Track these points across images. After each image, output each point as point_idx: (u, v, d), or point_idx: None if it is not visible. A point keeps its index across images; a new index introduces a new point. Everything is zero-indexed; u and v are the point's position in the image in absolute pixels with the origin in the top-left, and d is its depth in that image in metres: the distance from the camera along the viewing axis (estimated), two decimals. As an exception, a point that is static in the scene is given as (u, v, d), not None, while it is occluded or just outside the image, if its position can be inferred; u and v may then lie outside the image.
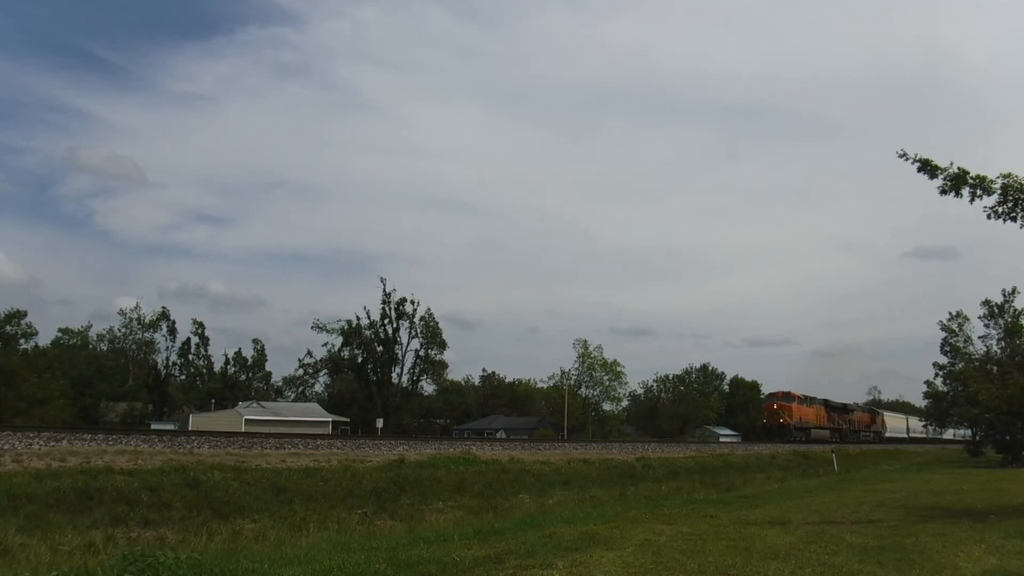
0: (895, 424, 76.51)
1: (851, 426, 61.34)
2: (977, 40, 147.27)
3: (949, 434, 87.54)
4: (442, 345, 74.13)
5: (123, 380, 68.82)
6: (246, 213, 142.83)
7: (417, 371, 73.82)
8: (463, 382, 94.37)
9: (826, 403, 58.22)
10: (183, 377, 72.98)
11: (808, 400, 55.21)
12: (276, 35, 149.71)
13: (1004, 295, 51.06)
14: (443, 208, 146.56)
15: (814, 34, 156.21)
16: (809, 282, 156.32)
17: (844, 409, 61.49)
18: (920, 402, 68.85)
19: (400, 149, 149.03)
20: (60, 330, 72.49)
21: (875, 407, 71.03)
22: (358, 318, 70.36)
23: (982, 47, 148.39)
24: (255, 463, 15.00)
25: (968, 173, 12.29)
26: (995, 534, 9.73)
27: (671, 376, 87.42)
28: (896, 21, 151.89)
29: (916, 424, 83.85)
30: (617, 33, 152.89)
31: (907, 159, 12.62)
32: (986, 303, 51.56)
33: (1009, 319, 50.28)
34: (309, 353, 76.10)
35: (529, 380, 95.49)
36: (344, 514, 13.53)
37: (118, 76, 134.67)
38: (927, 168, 12.56)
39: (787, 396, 53.79)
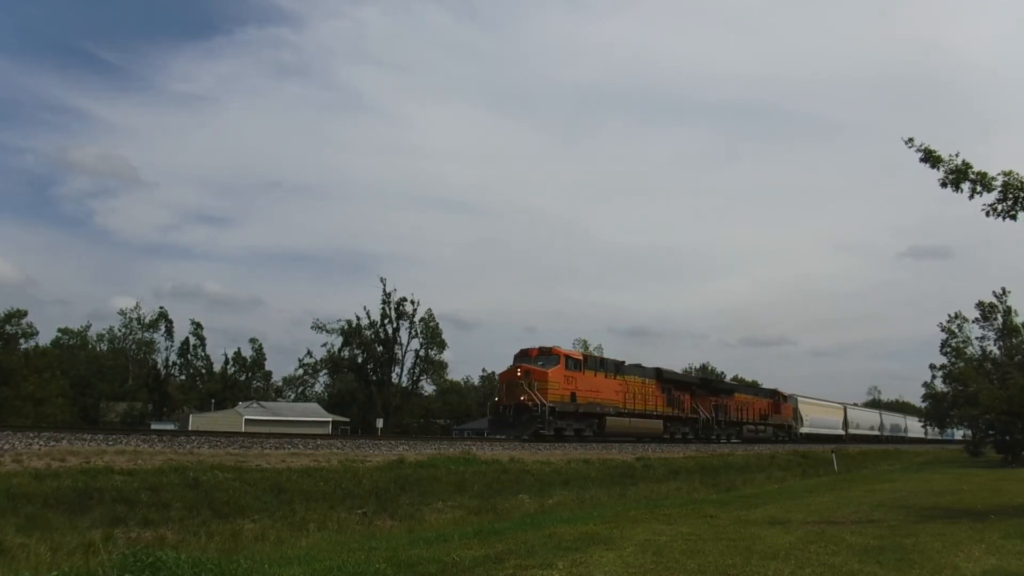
0: (821, 416, 56.64)
1: (724, 414, 40.67)
2: (977, 40, 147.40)
3: (919, 431, 77.90)
4: (442, 345, 74.37)
5: (123, 380, 68.94)
6: (245, 213, 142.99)
7: (417, 371, 74.02)
8: (463, 382, 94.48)
9: (659, 374, 36.12)
10: (183, 377, 73.15)
11: (603, 364, 32.41)
12: (275, 35, 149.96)
13: (995, 296, 51.25)
14: (443, 208, 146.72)
15: (814, 34, 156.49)
16: (808, 282, 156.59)
17: (707, 387, 40.86)
18: (920, 402, 68.10)
19: (400, 149, 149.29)
20: (60, 330, 72.86)
21: (783, 391, 51.29)
22: (358, 318, 70.52)
23: (982, 47, 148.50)
24: (255, 463, 14.99)
25: (971, 167, 12.28)
26: (995, 534, 9.73)
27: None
28: (896, 21, 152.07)
29: (866, 417, 68.27)
30: (617, 33, 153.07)
31: (912, 147, 12.61)
32: (980, 304, 51.75)
33: (1003, 319, 50.43)
34: (309, 353, 76.32)
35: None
36: (344, 514, 13.52)
37: (118, 76, 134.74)
38: (930, 158, 12.55)
39: (545, 355, 29.44)
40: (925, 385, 59.13)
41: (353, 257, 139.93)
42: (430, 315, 73.06)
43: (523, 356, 30.30)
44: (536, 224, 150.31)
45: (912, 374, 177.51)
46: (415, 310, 71.62)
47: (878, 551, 8.21)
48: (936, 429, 71.17)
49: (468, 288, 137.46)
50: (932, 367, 55.83)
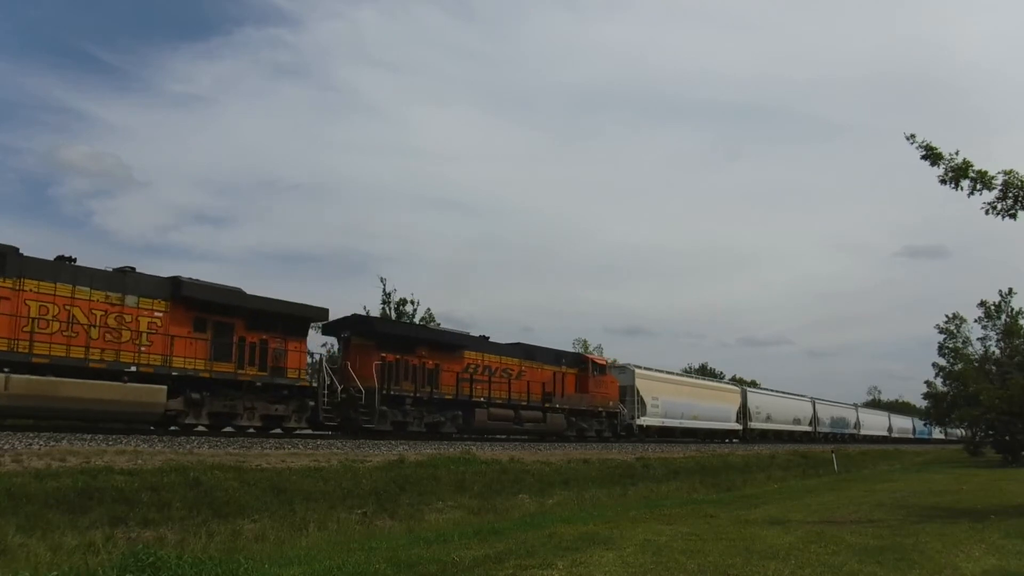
0: (685, 400, 39.32)
1: (428, 384, 24.30)
2: (978, 40, 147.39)
3: (880, 427, 70.26)
4: (441, 345, 74.14)
5: (123, 380, 68.91)
6: (244, 213, 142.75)
7: (417, 371, 73.86)
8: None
9: (177, 289, 18.31)
10: (183, 377, 73.15)
11: None
12: (273, 36, 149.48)
13: (1001, 296, 51.19)
14: (442, 208, 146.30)
15: (814, 34, 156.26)
16: (806, 282, 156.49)
17: (370, 334, 24.57)
18: (920, 402, 67.78)
19: (399, 149, 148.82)
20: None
21: (600, 357, 37.02)
22: (358, 318, 70.45)
23: (982, 47, 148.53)
24: (255, 463, 15.00)
25: (971, 165, 12.31)
26: (995, 534, 9.75)
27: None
28: (896, 21, 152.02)
29: (785, 407, 51.79)
30: (615, 34, 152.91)
31: (913, 143, 12.63)
32: (982, 304, 51.70)
33: (1007, 319, 50.38)
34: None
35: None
36: (344, 514, 13.54)
37: (116, 77, 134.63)
38: (930, 155, 12.57)
39: None
40: (927, 383, 58.93)
41: (353, 257, 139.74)
42: (430, 315, 73.03)
43: None
44: (536, 224, 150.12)
45: (912, 374, 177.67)
46: (415, 310, 71.68)
47: (878, 551, 8.22)
48: (934, 427, 70.54)
49: (467, 288, 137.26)
50: (935, 365, 55.72)
